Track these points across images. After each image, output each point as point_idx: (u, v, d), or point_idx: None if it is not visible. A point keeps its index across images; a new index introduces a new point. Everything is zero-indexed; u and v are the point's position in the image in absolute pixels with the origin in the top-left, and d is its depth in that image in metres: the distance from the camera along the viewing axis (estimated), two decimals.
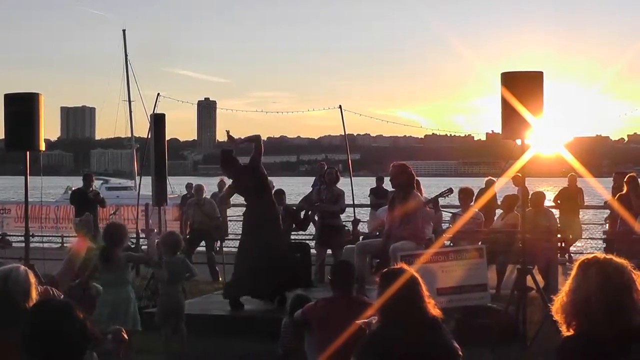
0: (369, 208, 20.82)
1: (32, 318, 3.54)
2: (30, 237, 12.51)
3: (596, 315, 3.75)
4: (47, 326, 3.43)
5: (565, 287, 3.93)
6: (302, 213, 14.99)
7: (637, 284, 3.81)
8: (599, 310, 3.75)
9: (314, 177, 19.02)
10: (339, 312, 6.91)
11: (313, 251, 14.80)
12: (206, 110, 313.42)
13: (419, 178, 12.95)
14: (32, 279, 4.85)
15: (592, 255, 3.98)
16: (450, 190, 12.42)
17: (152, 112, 18.76)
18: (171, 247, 10.33)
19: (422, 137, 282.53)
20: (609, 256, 3.93)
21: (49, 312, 3.53)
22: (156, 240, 10.36)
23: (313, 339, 7.31)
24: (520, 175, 11.24)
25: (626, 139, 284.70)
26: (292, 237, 15.68)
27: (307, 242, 16.71)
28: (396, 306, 4.95)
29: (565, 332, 3.88)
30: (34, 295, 4.74)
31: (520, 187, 12.07)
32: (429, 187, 13.72)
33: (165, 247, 10.36)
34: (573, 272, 3.92)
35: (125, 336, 5.49)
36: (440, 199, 12.33)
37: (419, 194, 11.62)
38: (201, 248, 17.86)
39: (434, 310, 5.02)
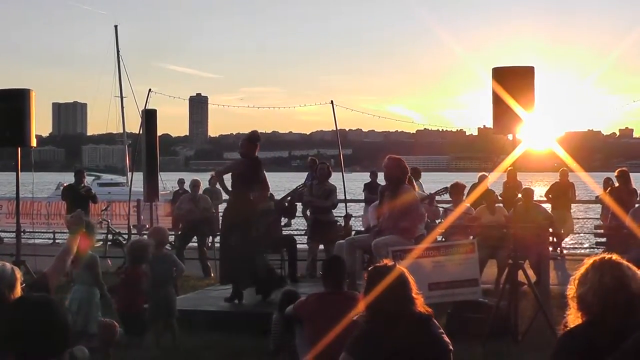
0: (362, 203, 20.81)
1: (13, 313, 3.52)
2: (22, 233, 12.49)
3: (614, 305, 3.80)
4: (27, 322, 3.42)
5: (576, 280, 3.97)
6: (288, 200, 14.82)
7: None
8: (617, 301, 3.79)
9: (307, 173, 19.01)
10: (331, 307, 6.91)
11: (300, 246, 14.77)
12: (198, 105, 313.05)
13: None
14: (18, 274, 4.85)
15: (608, 256, 4.02)
16: (446, 189, 12.45)
17: (143, 107, 18.74)
18: (157, 243, 10.31)
19: (414, 132, 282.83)
20: (618, 258, 3.98)
21: (29, 308, 3.52)
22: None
23: (304, 334, 7.31)
24: (512, 168, 11.26)
25: (618, 133, 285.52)
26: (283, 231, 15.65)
27: (299, 236, 16.71)
28: (384, 303, 4.95)
29: (571, 323, 3.93)
30: (19, 290, 4.73)
31: (511, 182, 12.11)
32: (421, 182, 13.70)
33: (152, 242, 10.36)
34: (586, 267, 3.97)
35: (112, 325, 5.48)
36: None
37: (411, 188, 11.58)
38: (193, 244, 17.84)
39: (423, 306, 5.02)
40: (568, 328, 3.97)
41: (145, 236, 12.29)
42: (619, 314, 3.80)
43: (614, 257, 4.00)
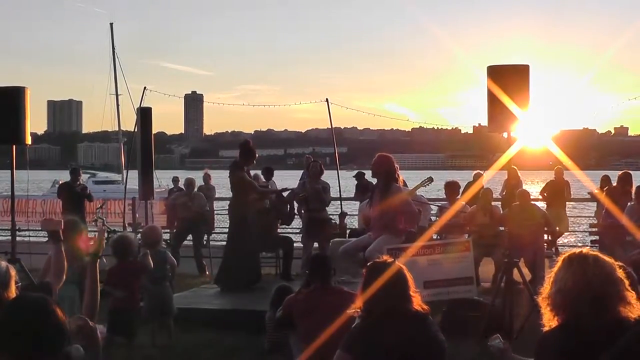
0: (357, 202, 20.78)
1: (7, 313, 3.50)
2: (17, 231, 12.45)
3: (580, 308, 3.79)
4: (23, 321, 3.40)
5: (549, 280, 3.97)
6: (288, 207, 14.97)
7: (622, 280, 3.86)
8: (583, 304, 3.79)
9: (302, 171, 19.02)
10: (321, 302, 6.92)
11: (295, 244, 14.78)
12: (193, 103, 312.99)
13: (405, 171, 12.94)
14: (13, 273, 4.81)
15: (578, 250, 4.02)
16: (430, 179, 12.33)
17: (139, 105, 18.71)
18: (150, 243, 10.28)
19: (410, 130, 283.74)
20: (594, 252, 3.99)
21: (24, 308, 3.50)
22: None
23: (297, 332, 7.30)
24: (515, 167, 11.24)
25: (613, 131, 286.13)
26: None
27: (294, 234, 16.70)
28: (382, 299, 4.94)
29: (549, 322, 3.92)
30: (13, 288, 4.70)
31: (513, 180, 12.07)
32: (416, 180, 13.63)
33: (145, 242, 10.32)
34: (557, 266, 3.96)
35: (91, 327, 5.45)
36: (421, 188, 12.28)
37: (401, 188, 11.54)
38: (188, 242, 17.82)
39: (420, 303, 5.02)
40: (544, 330, 3.97)
41: (140, 234, 12.26)
42: (586, 318, 3.80)
43: (585, 251, 4.00)
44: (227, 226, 13.92)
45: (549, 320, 3.94)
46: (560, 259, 3.99)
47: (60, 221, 6.40)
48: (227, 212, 14.05)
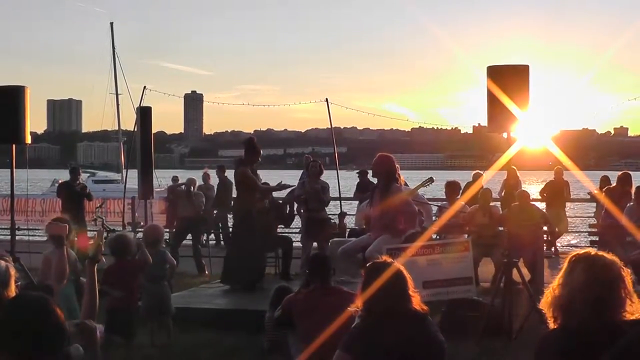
0: (357, 201, 20.79)
1: (7, 313, 3.50)
2: (16, 230, 12.47)
3: (582, 309, 3.79)
4: (23, 320, 3.40)
5: (554, 281, 3.96)
6: (287, 208, 14.99)
7: (626, 281, 3.85)
8: (585, 305, 3.78)
9: (301, 171, 19.03)
10: (321, 302, 6.92)
11: (294, 244, 14.78)
12: (193, 103, 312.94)
13: (405, 171, 12.93)
14: (12, 272, 4.80)
15: (584, 251, 4.01)
16: (431, 179, 12.33)
17: (138, 105, 18.71)
18: (151, 241, 10.27)
19: (409, 130, 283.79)
20: (600, 253, 3.97)
21: (24, 307, 3.49)
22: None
23: (297, 332, 7.30)
24: (515, 168, 11.22)
25: (612, 132, 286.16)
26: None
27: (293, 234, 16.70)
28: (381, 299, 4.94)
29: (552, 325, 3.91)
30: (13, 287, 4.69)
31: (512, 180, 12.04)
32: (415, 180, 13.63)
33: (147, 240, 10.32)
34: (563, 267, 3.95)
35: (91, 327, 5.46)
36: (422, 188, 12.28)
37: (401, 188, 11.52)
38: (187, 241, 17.81)
39: (420, 303, 5.02)
40: (545, 331, 3.97)
41: (140, 233, 12.26)
42: (589, 319, 3.79)
43: (590, 252, 3.99)
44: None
45: (552, 322, 3.93)
46: (566, 260, 3.97)
47: (65, 226, 6.40)
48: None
